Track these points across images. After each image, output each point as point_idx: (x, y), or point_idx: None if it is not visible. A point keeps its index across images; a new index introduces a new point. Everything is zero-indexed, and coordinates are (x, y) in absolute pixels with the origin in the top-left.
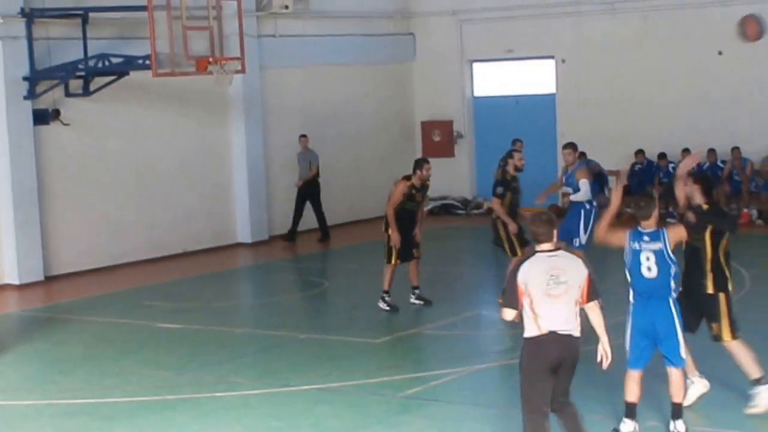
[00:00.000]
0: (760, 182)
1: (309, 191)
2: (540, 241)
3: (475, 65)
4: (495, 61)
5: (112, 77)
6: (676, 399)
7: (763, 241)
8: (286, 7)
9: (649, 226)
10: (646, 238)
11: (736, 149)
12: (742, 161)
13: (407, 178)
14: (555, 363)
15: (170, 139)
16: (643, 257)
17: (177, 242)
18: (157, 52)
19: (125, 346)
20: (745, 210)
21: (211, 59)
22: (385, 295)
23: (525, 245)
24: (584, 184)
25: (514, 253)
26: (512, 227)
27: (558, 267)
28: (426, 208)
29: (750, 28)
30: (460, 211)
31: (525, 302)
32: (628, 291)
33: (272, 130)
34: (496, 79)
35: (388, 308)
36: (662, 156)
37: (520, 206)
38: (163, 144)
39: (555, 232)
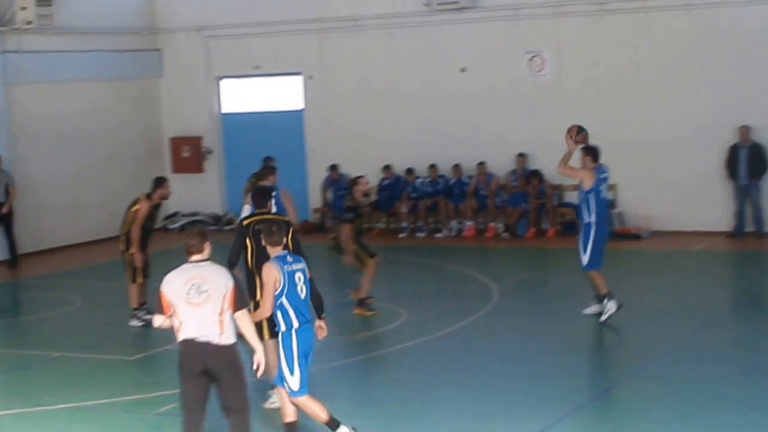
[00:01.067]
0: (505, 197)
1: (4, 214)
2: (191, 253)
3: (223, 81)
4: (243, 77)
5: None
6: (290, 419)
7: (509, 255)
8: (30, 22)
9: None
10: (289, 259)
11: (481, 164)
12: (488, 176)
13: (148, 196)
14: (200, 368)
15: None
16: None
17: None
18: None
19: None
20: (492, 224)
21: None
22: (136, 312)
23: (372, 256)
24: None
25: (363, 263)
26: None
27: (200, 276)
28: (177, 225)
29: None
30: (211, 227)
31: (172, 309)
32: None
33: (18, 148)
34: (245, 96)
35: (142, 323)
36: (410, 171)
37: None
38: None
39: (207, 244)
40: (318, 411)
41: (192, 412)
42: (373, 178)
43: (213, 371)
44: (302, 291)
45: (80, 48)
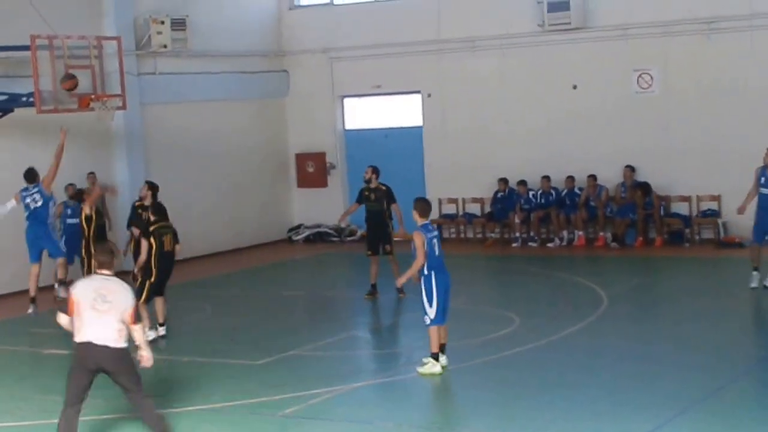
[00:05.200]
0: (614, 208)
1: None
2: (102, 267)
3: (346, 100)
4: (364, 96)
5: None
6: None
7: (618, 263)
8: (165, 46)
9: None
10: None
11: (591, 177)
12: (598, 188)
13: None
14: (93, 367)
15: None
16: None
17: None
18: (41, 89)
19: (14, 372)
20: (601, 234)
21: (93, 96)
22: None
23: None
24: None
25: None
26: None
27: (107, 288)
28: (301, 236)
29: None
30: (333, 239)
31: (76, 312)
32: None
33: (154, 164)
34: (366, 113)
35: None
36: (522, 183)
37: None
38: None
39: (114, 262)
40: None
41: (71, 402)
42: (487, 191)
43: (106, 369)
44: None
45: (212, 70)
